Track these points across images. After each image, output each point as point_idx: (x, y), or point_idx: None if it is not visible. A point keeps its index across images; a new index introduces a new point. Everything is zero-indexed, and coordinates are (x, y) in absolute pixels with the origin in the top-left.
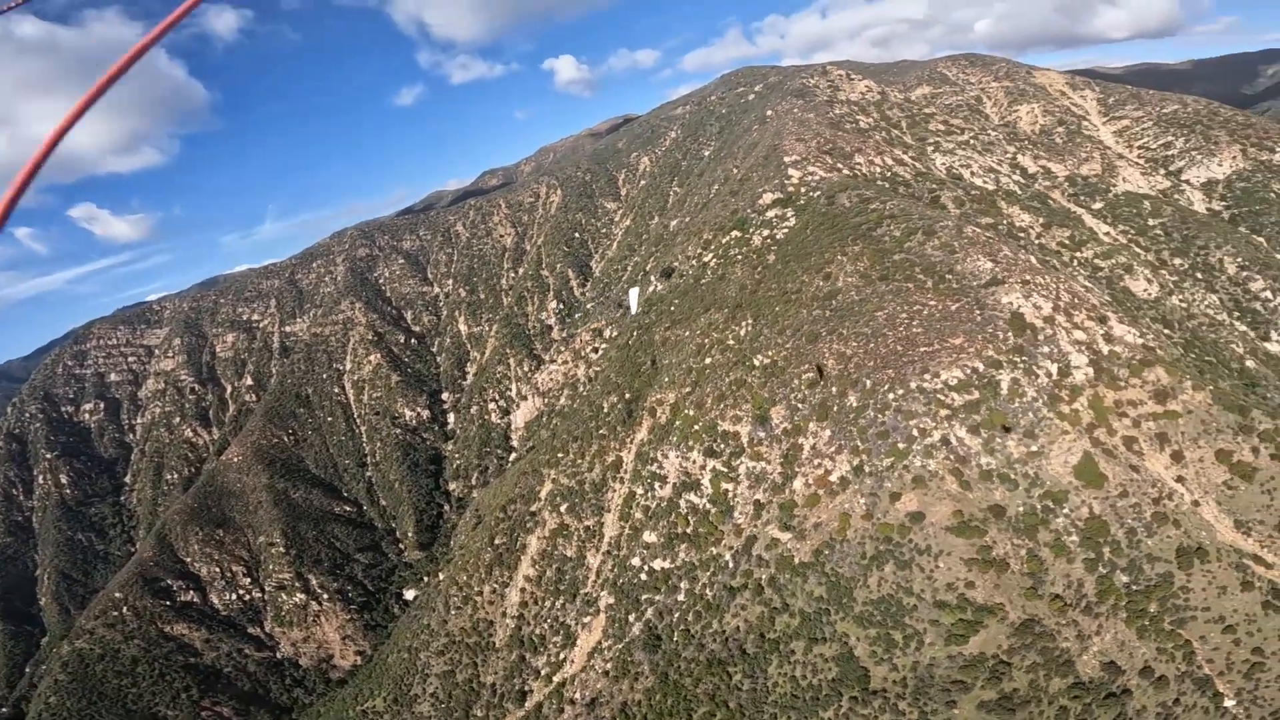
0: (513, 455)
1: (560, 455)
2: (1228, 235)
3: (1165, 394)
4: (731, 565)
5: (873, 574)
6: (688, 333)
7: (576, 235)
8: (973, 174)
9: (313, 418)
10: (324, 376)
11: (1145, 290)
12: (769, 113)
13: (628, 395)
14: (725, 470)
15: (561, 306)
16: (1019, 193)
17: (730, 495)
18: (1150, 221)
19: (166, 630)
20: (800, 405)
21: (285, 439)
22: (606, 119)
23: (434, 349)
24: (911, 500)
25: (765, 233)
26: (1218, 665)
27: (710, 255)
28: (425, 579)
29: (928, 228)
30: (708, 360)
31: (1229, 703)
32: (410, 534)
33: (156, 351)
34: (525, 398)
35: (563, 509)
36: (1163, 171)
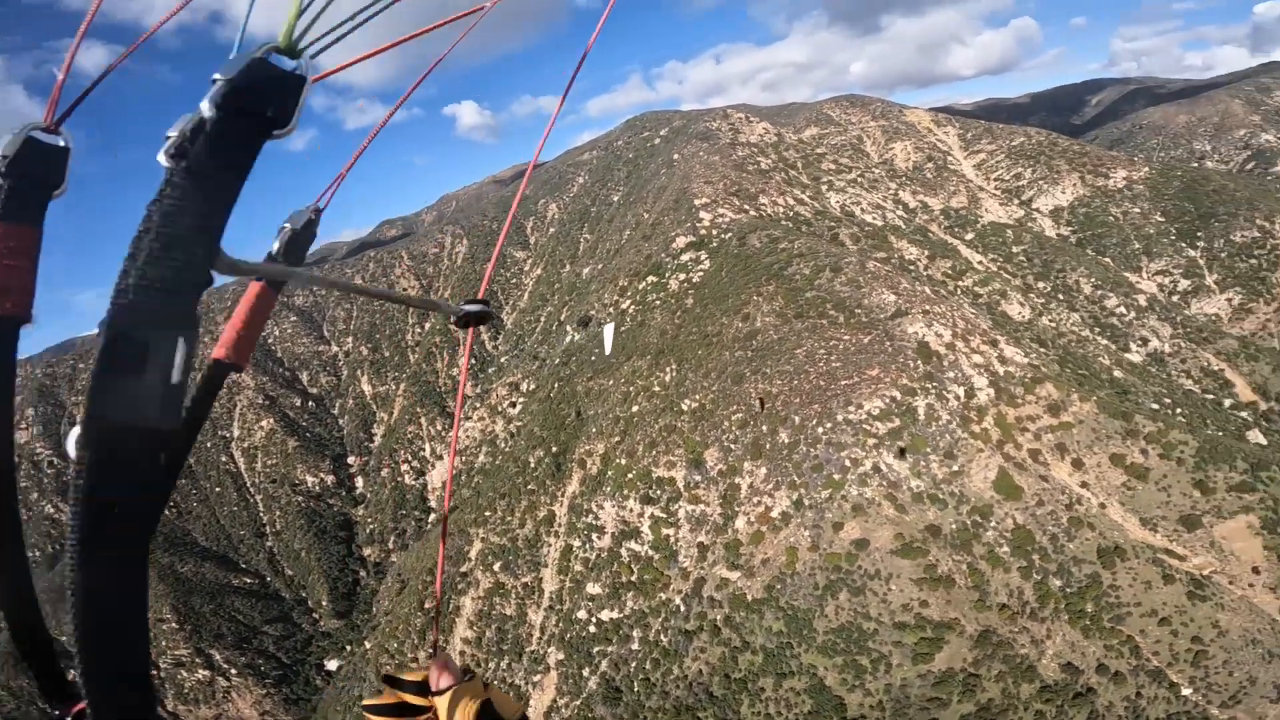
0: (431, 516)
1: (488, 514)
2: (1080, 258)
3: (1057, 407)
4: (683, 609)
5: (828, 603)
6: (611, 382)
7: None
8: (863, 210)
9: (197, 489)
10: (208, 445)
11: (1019, 313)
12: (675, 156)
13: (554, 448)
14: (664, 516)
15: (474, 362)
16: (904, 227)
17: (672, 540)
18: (1014, 249)
19: (48, 711)
20: (733, 446)
21: (166, 511)
22: (510, 165)
23: (335, 411)
24: (854, 528)
25: (681, 276)
26: (1164, 657)
27: (628, 302)
28: (348, 648)
29: (834, 265)
30: (634, 408)
31: (1186, 691)
32: (325, 603)
33: None
34: (441, 457)
35: (496, 567)
36: (1016, 201)
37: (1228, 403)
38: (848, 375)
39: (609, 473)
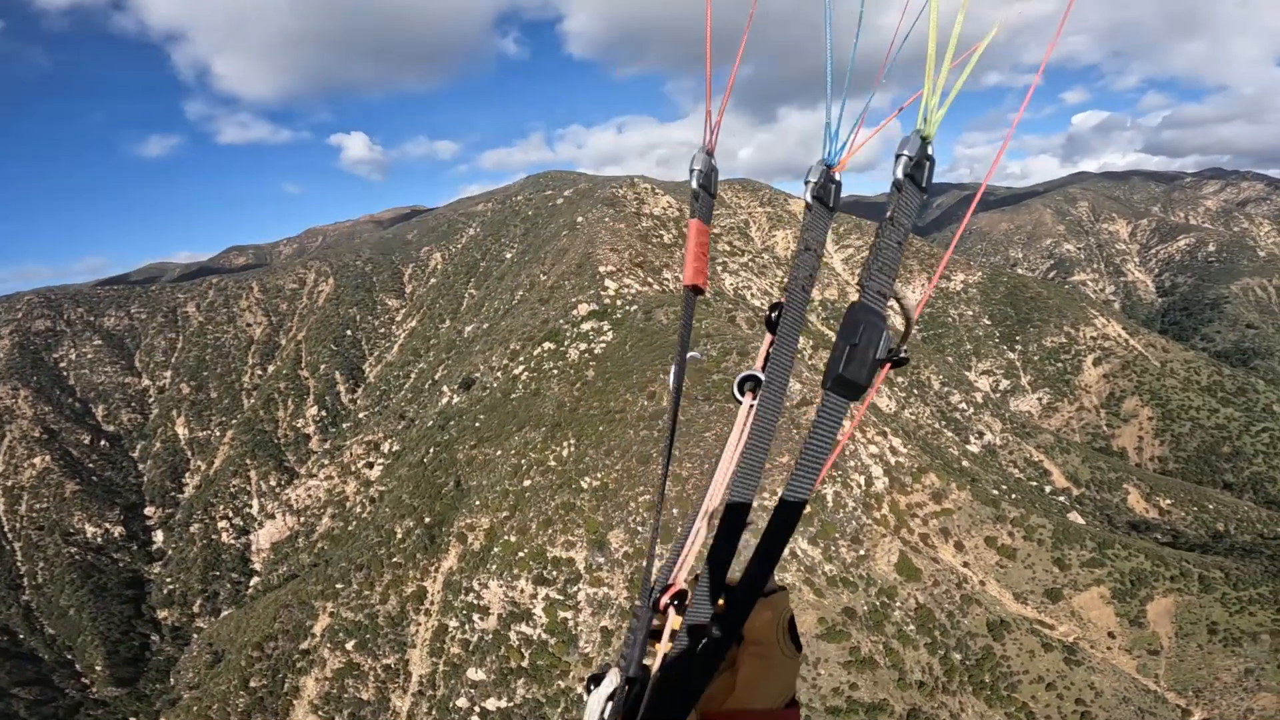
0: (254, 580)
1: (339, 586)
2: (930, 356)
3: (940, 495)
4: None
5: None
6: (499, 452)
7: (349, 333)
8: (752, 295)
9: None
10: None
11: (887, 405)
12: (579, 219)
13: (428, 519)
14: (561, 598)
15: (325, 414)
16: None
17: (571, 625)
18: None
19: None
20: (641, 528)
21: None
22: (392, 207)
23: (135, 454)
24: None
25: (582, 346)
26: None
27: (521, 367)
28: None
29: (740, 348)
30: (527, 482)
31: None
32: (99, 667)
33: None
34: (273, 515)
35: (349, 646)
36: None
37: (1048, 489)
38: None
39: (495, 550)
